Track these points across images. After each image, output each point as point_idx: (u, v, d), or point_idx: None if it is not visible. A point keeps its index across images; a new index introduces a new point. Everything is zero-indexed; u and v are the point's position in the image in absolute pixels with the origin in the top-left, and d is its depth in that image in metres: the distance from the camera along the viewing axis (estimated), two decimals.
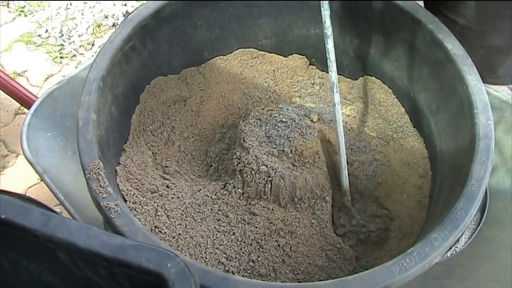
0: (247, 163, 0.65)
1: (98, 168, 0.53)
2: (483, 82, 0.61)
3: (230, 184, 0.66)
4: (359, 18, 0.76)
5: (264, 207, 0.65)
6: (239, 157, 0.66)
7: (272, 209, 0.65)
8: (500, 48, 0.78)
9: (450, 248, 0.50)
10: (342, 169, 0.69)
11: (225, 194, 0.66)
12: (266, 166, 0.65)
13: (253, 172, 0.65)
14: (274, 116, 0.72)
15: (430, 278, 0.65)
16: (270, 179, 0.64)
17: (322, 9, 0.64)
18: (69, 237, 0.36)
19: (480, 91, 0.61)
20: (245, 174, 0.65)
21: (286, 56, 0.85)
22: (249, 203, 0.65)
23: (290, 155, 0.68)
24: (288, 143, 0.69)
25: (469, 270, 0.66)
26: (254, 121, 0.72)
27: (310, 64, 0.86)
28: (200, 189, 0.66)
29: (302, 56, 0.85)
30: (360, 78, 0.82)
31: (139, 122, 0.71)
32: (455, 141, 0.64)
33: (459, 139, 0.63)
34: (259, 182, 0.65)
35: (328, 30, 0.65)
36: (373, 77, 0.81)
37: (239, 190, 0.65)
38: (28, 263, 0.42)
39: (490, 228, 0.69)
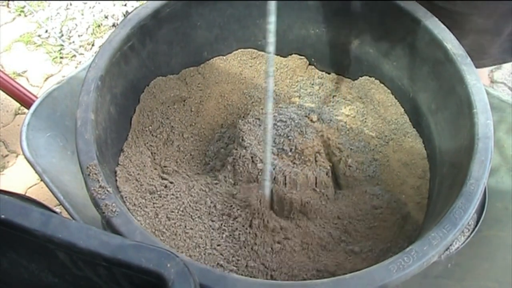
0: (244, 159, 0.66)
1: (97, 168, 0.53)
2: (479, 64, 0.60)
3: (225, 180, 0.66)
4: (359, 18, 0.76)
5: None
6: (237, 154, 0.67)
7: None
8: (489, 30, 0.78)
9: (448, 248, 0.50)
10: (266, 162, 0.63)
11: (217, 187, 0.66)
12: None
13: (250, 169, 0.65)
14: (274, 116, 0.72)
15: (429, 278, 0.65)
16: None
17: None
18: (69, 237, 0.36)
19: (479, 91, 0.61)
20: (240, 170, 0.65)
21: (285, 57, 0.85)
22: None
23: (290, 153, 0.68)
24: (288, 142, 0.69)
25: (468, 270, 0.66)
26: (253, 120, 0.72)
27: (309, 64, 0.86)
28: (195, 185, 0.66)
29: (301, 57, 0.85)
30: (360, 78, 0.82)
31: (138, 122, 0.71)
32: (454, 141, 0.64)
33: (458, 139, 0.63)
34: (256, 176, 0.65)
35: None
36: (372, 78, 0.81)
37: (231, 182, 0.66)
38: (28, 263, 0.42)
39: (490, 228, 0.69)
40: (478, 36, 0.79)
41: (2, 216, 0.36)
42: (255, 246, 0.60)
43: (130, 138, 0.67)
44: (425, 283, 0.64)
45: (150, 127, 0.72)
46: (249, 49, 0.84)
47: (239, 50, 0.84)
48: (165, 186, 0.64)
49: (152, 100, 0.73)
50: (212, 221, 0.62)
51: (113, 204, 0.50)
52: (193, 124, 0.77)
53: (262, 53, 0.84)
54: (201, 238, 0.60)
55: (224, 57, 0.83)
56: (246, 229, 0.61)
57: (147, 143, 0.70)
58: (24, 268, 0.42)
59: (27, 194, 1.19)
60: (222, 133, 0.77)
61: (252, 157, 0.67)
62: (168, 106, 0.75)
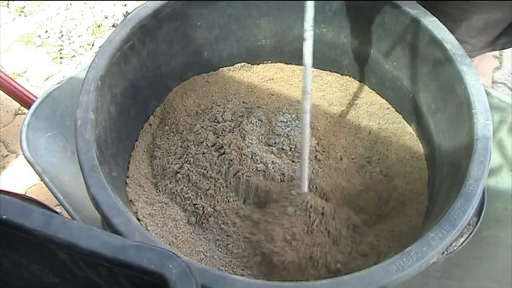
0: (245, 159, 0.66)
1: (97, 168, 0.53)
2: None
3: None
4: (359, 18, 0.76)
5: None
6: (237, 154, 0.67)
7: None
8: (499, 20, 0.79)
9: (447, 248, 0.50)
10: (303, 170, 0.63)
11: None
12: (264, 164, 0.66)
13: (250, 168, 0.65)
14: (275, 115, 0.72)
15: (429, 278, 0.65)
16: (268, 173, 0.65)
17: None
18: (70, 238, 0.35)
19: (479, 91, 0.61)
20: (242, 172, 0.65)
21: (286, 57, 0.86)
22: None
23: (289, 152, 0.69)
24: (288, 142, 0.69)
25: (468, 270, 0.66)
26: (256, 121, 0.72)
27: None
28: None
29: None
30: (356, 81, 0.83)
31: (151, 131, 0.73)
32: (454, 141, 0.64)
33: (458, 139, 0.63)
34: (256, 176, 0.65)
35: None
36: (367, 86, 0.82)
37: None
38: (29, 263, 0.42)
39: (490, 228, 0.69)
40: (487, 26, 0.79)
41: (4, 217, 0.36)
42: (244, 259, 0.61)
43: (139, 147, 0.69)
44: (425, 283, 0.64)
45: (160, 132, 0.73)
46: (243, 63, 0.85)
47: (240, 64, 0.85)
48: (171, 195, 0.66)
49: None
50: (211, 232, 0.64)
51: (112, 204, 0.50)
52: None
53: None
54: (202, 246, 0.61)
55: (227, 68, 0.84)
56: (236, 241, 0.62)
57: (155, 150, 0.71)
58: (25, 268, 0.42)
59: (27, 194, 1.19)
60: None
61: (252, 156, 0.67)
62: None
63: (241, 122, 0.72)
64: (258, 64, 0.86)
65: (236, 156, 0.67)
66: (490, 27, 0.80)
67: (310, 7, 0.59)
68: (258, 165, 0.66)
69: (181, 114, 0.76)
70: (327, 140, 0.73)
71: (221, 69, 0.84)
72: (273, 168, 0.66)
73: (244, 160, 0.66)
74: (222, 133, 0.71)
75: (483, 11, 0.76)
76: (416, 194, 0.69)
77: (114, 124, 0.64)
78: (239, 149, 0.68)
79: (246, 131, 0.70)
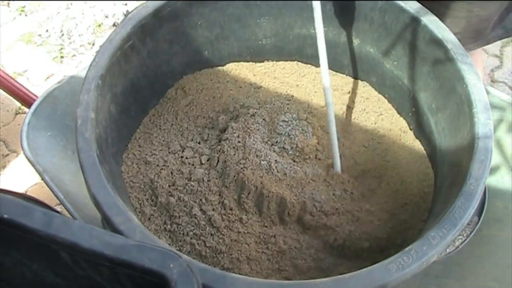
0: (249, 158, 0.66)
1: (97, 167, 0.53)
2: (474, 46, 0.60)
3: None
4: (359, 18, 0.76)
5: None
6: (242, 152, 0.67)
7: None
8: (485, 18, 0.79)
9: (448, 247, 0.50)
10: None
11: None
12: (267, 162, 0.66)
13: (253, 167, 0.66)
14: (277, 114, 0.72)
15: (429, 277, 0.65)
16: (271, 171, 0.65)
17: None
18: (72, 238, 0.35)
19: (479, 90, 0.61)
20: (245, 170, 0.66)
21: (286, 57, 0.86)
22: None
23: (291, 152, 0.69)
24: (289, 140, 0.69)
25: (468, 269, 0.66)
26: (262, 121, 0.73)
27: (311, 64, 0.86)
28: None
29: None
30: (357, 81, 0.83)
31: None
32: (454, 140, 0.64)
33: (458, 138, 0.63)
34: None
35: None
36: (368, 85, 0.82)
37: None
38: (30, 262, 0.42)
39: (490, 227, 0.69)
40: (473, 22, 0.79)
41: (5, 216, 0.36)
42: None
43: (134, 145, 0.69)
44: (425, 282, 0.64)
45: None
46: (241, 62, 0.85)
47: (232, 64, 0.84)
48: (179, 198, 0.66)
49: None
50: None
51: (113, 203, 0.50)
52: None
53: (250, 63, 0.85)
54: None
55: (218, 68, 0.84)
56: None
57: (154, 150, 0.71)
58: (27, 268, 0.42)
59: (27, 194, 1.19)
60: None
61: (257, 154, 0.67)
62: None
63: (244, 121, 0.73)
64: (258, 63, 0.86)
65: (238, 153, 0.67)
66: (475, 25, 0.80)
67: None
68: (262, 162, 0.66)
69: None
70: (326, 140, 0.73)
71: (221, 68, 0.84)
72: (276, 167, 0.66)
73: (247, 156, 0.67)
74: (224, 132, 0.71)
75: (468, 9, 0.77)
76: (417, 197, 0.68)
77: (114, 123, 0.64)
78: (243, 146, 0.68)
79: (251, 130, 0.70)
